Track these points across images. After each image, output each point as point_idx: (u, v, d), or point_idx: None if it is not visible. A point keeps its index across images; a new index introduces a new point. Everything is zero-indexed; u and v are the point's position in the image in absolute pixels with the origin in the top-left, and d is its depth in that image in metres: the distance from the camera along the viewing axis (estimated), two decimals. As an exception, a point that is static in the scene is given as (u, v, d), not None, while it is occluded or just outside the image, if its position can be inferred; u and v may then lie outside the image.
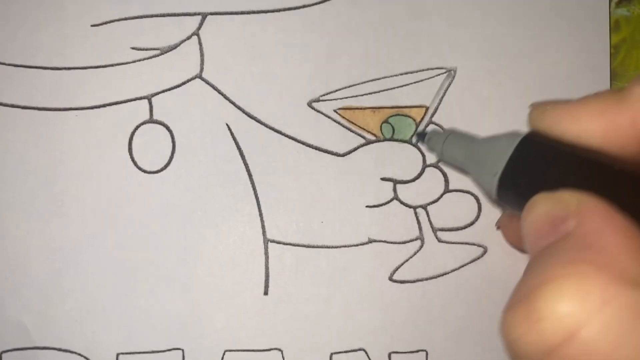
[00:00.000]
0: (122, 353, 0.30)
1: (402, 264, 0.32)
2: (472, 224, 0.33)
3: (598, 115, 0.21)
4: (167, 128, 0.31)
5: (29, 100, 0.30)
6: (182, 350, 0.31)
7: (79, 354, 0.30)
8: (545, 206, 0.20)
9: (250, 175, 0.32)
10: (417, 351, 0.32)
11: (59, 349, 0.30)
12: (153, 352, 0.30)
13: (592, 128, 0.21)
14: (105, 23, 0.31)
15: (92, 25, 0.31)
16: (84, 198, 0.30)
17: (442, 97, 0.33)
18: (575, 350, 0.16)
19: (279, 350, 0.31)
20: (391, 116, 0.33)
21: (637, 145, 0.20)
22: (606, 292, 0.16)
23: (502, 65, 0.33)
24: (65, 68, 0.31)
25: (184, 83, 0.32)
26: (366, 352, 0.31)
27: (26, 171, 0.30)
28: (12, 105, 0.30)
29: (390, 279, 0.32)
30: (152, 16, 0.31)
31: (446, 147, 0.28)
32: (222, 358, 0.31)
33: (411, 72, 0.33)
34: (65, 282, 0.30)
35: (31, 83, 0.30)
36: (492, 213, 0.33)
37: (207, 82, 0.32)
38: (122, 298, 0.30)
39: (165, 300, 0.31)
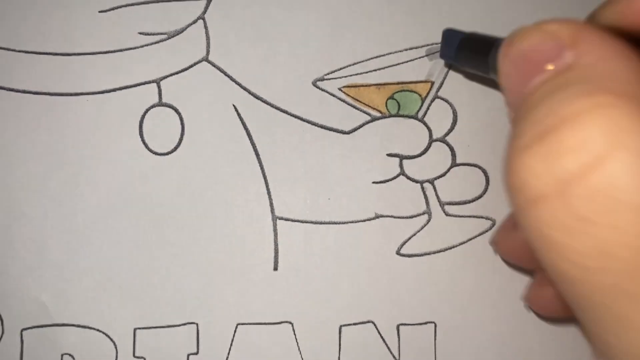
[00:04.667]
0: (139, 328, 0.31)
1: (410, 238, 0.32)
2: (480, 197, 0.33)
3: None
4: (176, 111, 0.32)
5: (40, 85, 0.31)
6: (197, 324, 0.31)
7: (97, 330, 0.31)
8: (532, 39, 0.19)
9: (257, 155, 0.32)
10: (426, 323, 0.32)
11: (78, 325, 0.31)
12: (169, 326, 0.31)
13: None
14: (113, 9, 0.32)
15: (100, 12, 0.32)
16: (97, 180, 0.31)
17: (448, 72, 0.33)
18: (599, 181, 0.15)
19: (290, 323, 0.32)
20: (396, 92, 0.33)
21: None
22: (633, 121, 0.15)
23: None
24: (74, 54, 0.31)
25: (191, 66, 0.32)
26: (375, 325, 0.32)
27: (39, 155, 0.31)
28: (24, 91, 0.31)
29: (398, 253, 0.32)
30: (158, 1, 0.32)
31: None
32: (235, 331, 0.32)
33: (416, 48, 0.33)
34: (81, 260, 0.31)
35: (42, 69, 0.31)
36: (500, 186, 0.33)
37: (214, 65, 0.32)
38: (137, 275, 0.31)
39: (179, 277, 0.31)
